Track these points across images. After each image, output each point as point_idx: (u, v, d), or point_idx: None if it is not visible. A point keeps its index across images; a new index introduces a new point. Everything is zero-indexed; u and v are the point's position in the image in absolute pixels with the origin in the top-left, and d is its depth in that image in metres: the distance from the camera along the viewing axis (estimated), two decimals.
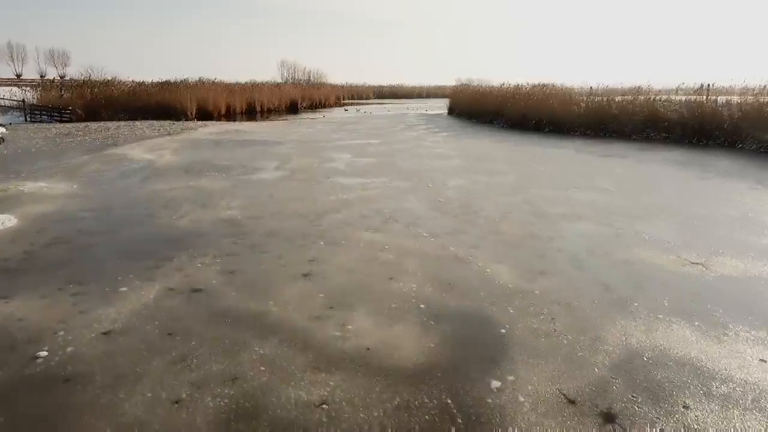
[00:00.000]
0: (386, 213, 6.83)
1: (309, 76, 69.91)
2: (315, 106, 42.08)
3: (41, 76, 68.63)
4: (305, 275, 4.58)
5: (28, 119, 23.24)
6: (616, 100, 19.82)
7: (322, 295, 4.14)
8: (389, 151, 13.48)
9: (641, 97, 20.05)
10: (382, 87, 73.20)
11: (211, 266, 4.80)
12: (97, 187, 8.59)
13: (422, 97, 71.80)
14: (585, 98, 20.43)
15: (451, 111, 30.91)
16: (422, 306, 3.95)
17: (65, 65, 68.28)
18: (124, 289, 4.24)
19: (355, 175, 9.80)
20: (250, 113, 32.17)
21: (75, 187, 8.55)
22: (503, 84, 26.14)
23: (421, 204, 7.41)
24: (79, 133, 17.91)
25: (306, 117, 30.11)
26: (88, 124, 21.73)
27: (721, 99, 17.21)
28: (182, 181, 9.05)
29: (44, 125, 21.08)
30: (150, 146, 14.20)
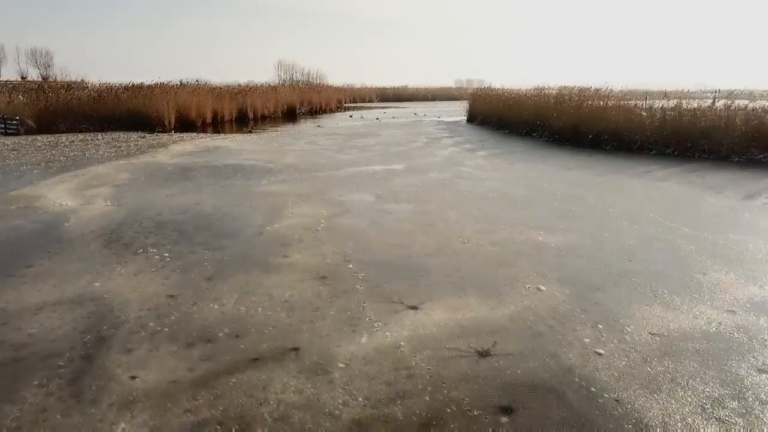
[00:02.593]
0: None
1: (308, 77, 65.93)
2: (315, 111, 37.95)
3: (22, 77, 64.36)
4: None
5: None
6: (686, 107, 15.81)
7: None
8: (425, 187, 9.40)
9: (718, 104, 16.05)
10: (386, 89, 69.07)
11: None
12: None
13: (428, 100, 67.67)
14: (659, 106, 16.32)
15: (472, 118, 26.80)
16: None
17: (48, 66, 63.85)
18: None
19: (388, 253, 5.71)
20: (242, 120, 28.08)
21: None
22: (546, 88, 22.04)
23: (580, 389, 3.33)
24: (12, 153, 13.79)
25: (306, 126, 26.01)
26: (37, 137, 17.61)
27: None
28: (84, 275, 4.96)
29: None
30: (88, 179, 10.10)
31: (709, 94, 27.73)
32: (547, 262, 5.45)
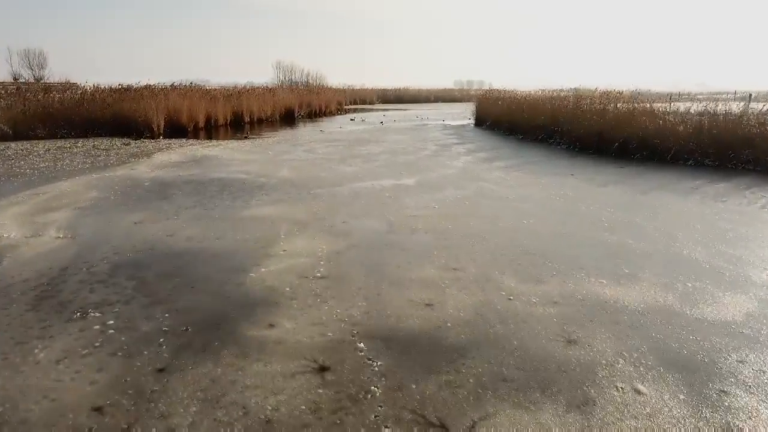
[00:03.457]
0: None
1: (307, 78, 64.43)
2: (314, 114, 36.47)
3: (15, 79, 62.73)
4: None
5: None
6: (722, 111, 14.38)
7: None
8: (443, 210, 7.93)
9: (755, 108, 14.61)
10: (387, 90, 67.55)
11: None
12: None
13: (430, 102, 66.26)
14: (686, 110, 14.87)
15: (480, 122, 25.35)
16: None
17: (41, 67, 62.16)
18: None
19: (411, 320, 4.25)
20: (237, 124, 26.61)
21: None
22: (565, 90, 20.58)
23: None
24: None
25: (304, 130, 24.54)
26: (10, 145, 16.11)
27: None
28: None
29: None
30: (47, 199, 8.64)
31: (725, 95, 26.32)
32: (630, 335, 3.98)
